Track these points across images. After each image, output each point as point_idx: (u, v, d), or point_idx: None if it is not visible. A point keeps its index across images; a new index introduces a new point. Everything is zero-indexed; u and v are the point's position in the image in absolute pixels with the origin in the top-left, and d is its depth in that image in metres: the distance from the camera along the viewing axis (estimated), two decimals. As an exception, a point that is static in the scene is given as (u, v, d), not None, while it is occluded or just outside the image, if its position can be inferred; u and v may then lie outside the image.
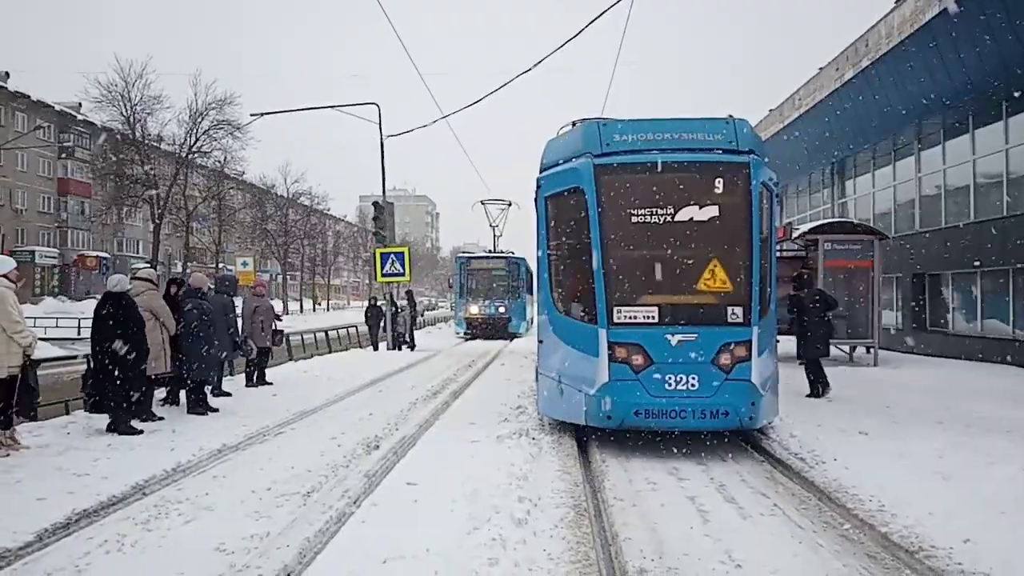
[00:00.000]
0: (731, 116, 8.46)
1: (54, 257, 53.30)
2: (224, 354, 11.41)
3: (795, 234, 18.26)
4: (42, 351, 10.89)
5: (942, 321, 20.95)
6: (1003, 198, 17.98)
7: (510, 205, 33.27)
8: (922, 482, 6.35)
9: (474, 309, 29.51)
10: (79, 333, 32.45)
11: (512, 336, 29.42)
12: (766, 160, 8.53)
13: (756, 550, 5.05)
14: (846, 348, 17.93)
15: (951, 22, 16.88)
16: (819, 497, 6.40)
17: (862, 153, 25.38)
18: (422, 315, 40.53)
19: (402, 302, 25.54)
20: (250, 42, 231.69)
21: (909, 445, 7.65)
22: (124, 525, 5.44)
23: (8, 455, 7.43)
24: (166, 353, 9.58)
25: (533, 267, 23.60)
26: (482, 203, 33.01)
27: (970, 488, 6.14)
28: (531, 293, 29.69)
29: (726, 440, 8.51)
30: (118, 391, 8.53)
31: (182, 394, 10.46)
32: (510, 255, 31.07)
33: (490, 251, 33.58)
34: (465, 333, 30.03)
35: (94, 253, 55.90)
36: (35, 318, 31.46)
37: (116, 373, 8.50)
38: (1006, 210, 17.78)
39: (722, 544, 5.16)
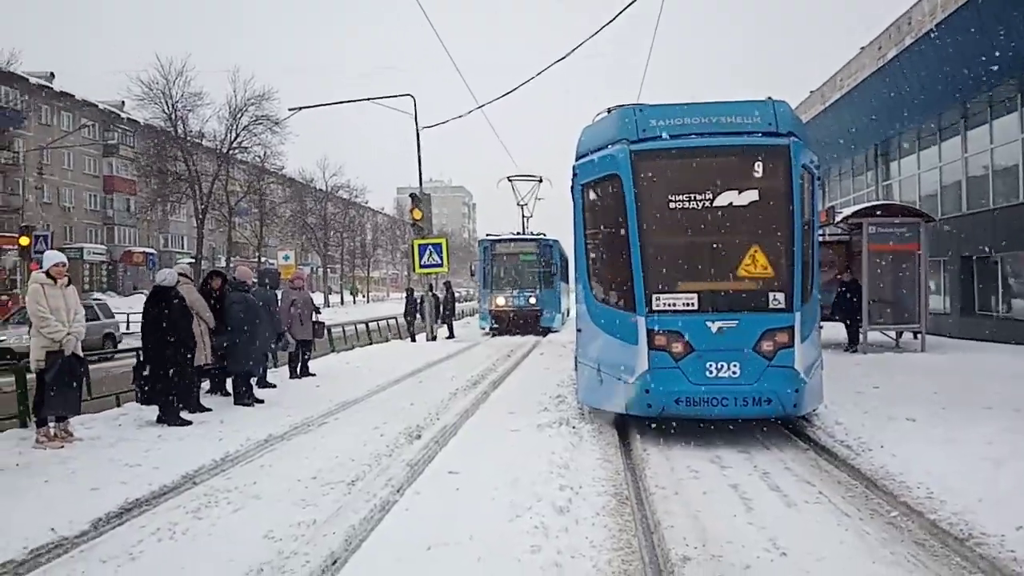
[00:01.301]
0: (770, 98, 8.32)
1: (102, 254, 54.56)
2: (269, 346, 11.61)
3: (838, 218, 17.93)
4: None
5: (991, 305, 20.43)
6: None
7: (540, 181, 29.61)
8: (972, 469, 6.20)
9: (500, 301, 25.53)
10: (128, 328, 33.14)
11: (545, 331, 25.59)
12: (807, 142, 8.38)
13: (801, 538, 5.00)
14: (892, 333, 17.61)
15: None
16: (865, 484, 6.31)
17: (906, 134, 24.79)
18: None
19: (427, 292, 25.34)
20: (284, 37, 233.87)
21: (958, 431, 7.48)
22: (175, 514, 5.59)
23: (63, 447, 7.67)
24: (206, 345, 9.79)
25: (568, 251, 22.84)
26: (508, 179, 29.22)
27: (1021, 475, 5.97)
28: (566, 281, 27.75)
29: (769, 428, 8.42)
30: (167, 383, 8.74)
31: (228, 384, 10.68)
32: (541, 236, 26.77)
33: (518, 233, 28.44)
34: (491, 329, 26.14)
35: (141, 249, 57.14)
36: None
37: (165, 365, 8.70)
38: (1058, 189, 17.25)
39: (766, 532, 5.12)
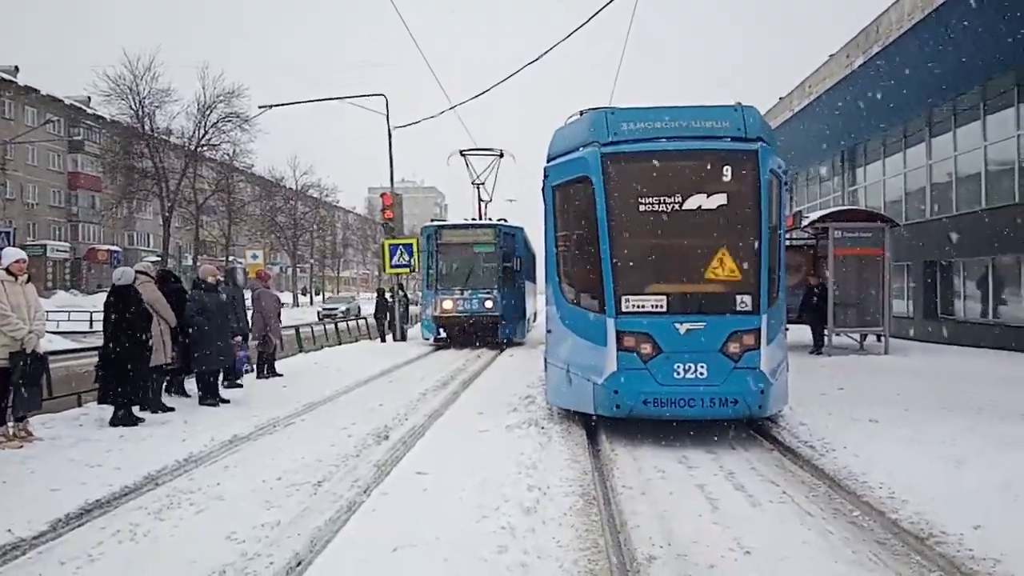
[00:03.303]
0: (739, 103, 8.40)
1: (65, 251, 53.57)
2: (238, 346, 11.53)
3: (805, 222, 18.18)
4: (53, 344, 10.94)
5: (953, 309, 20.83)
6: (1015, 184, 17.82)
7: (501, 156, 23.76)
8: (933, 468, 6.33)
9: (448, 304, 19.87)
10: (91, 326, 32.63)
11: (504, 343, 20.55)
12: (775, 148, 8.48)
13: (765, 537, 5.05)
14: (856, 336, 17.88)
15: (962, 7, 16.71)
16: (829, 484, 6.39)
17: (872, 140, 25.22)
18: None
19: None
20: (255, 35, 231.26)
21: (920, 432, 7.62)
22: (136, 515, 5.49)
23: (21, 447, 7.50)
24: (165, 344, 9.63)
25: (535, 242, 21.55)
26: (461, 154, 23.45)
27: (981, 474, 6.10)
28: (533, 280, 24.75)
29: (735, 429, 8.49)
30: (124, 382, 8.58)
31: (190, 385, 10.54)
32: (501, 223, 21.09)
33: (473, 219, 23.06)
34: (435, 340, 21.05)
35: (105, 246, 56.12)
36: (47, 312, 31.70)
37: (123, 364, 8.55)
38: (1018, 196, 17.62)
39: (731, 531, 5.16)
